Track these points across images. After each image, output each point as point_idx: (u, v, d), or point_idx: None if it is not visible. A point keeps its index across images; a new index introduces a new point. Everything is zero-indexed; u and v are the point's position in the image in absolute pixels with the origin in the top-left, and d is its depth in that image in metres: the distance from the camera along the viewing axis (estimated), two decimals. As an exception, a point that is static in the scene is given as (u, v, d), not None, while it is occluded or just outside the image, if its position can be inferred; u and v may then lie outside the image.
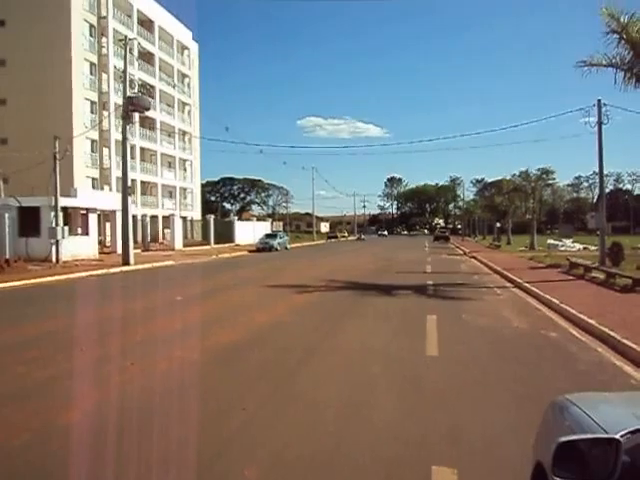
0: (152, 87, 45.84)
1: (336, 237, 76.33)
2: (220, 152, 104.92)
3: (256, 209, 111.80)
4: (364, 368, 6.27)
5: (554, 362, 6.64)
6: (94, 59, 39.70)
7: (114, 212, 28.62)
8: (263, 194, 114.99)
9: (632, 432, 1.61)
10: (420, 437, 4.12)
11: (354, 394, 5.31)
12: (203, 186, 74.62)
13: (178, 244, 37.12)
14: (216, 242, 41.56)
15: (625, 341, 6.94)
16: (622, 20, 14.26)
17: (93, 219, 26.89)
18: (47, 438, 4.15)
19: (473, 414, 4.67)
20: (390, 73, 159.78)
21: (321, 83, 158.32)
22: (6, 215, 23.16)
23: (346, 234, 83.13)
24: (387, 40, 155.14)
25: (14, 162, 28.25)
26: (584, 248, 33.99)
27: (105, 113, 38.76)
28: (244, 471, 3.54)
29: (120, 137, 25.67)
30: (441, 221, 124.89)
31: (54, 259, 22.14)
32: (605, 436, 1.61)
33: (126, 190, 23.10)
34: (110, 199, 30.11)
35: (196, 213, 54.58)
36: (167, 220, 40.41)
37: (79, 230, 26.47)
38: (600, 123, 19.15)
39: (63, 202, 23.52)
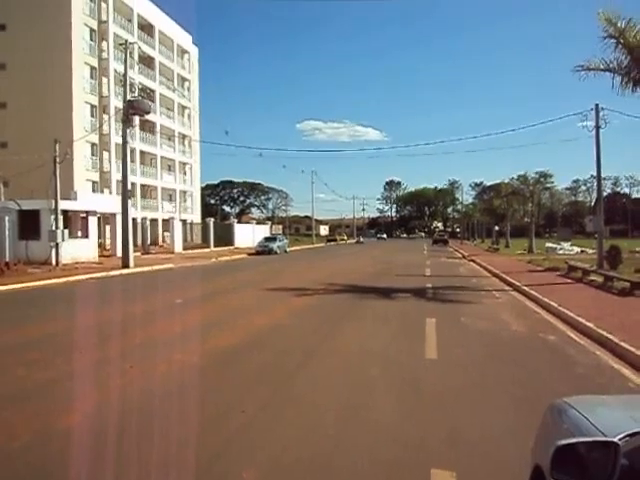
0: (152, 91, 45.97)
1: (335, 240, 76.16)
2: (220, 155, 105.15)
3: (256, 212, 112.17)
4: (363, 371, 6.28)
5: (552, 365, 6.66)
6: (94, 63, 39.83)
7: (114, 215, 28.66)
8: (263, 197, 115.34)
9: (630, 435, 1.62)
10: (419, 440, 4.13)
11: (353, 397, 5.31)
12: (203, 189, 74.79)
13: (178, 247, 37.10)
14: (216, 245, 41.56)
15: (623, 344, 6.95)
16: (619, 25, 14.31)
17: (93, 222, 26.90)
18: (47, 440, 4.16)
19: (472, 417, 4.68)
20: (389, 75, 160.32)
21: (320, 85, 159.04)
22: (6, 218, 23.17)
23: (345, 237, 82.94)
24: (386, 42, 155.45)
25: (14, 165, 28.33)
26: (582, 251, 34.06)
27: (105, 117, 38.89)
28: (243, 474, 3.54)
29: (120, 140, 25.69)
30: (440, 224, 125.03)
31: (54, 262, 22.15)
32: (603, 439, 1.61)
33: (126, 193, 23.11)
34: (110, 202, 30.16)
35: (196, 216, 54.61)
36: (167, 223, 40.41)
37: (79, 233, 26.47)
38: (598, 127, 19.22)
39: (63, 205, 23.57)
